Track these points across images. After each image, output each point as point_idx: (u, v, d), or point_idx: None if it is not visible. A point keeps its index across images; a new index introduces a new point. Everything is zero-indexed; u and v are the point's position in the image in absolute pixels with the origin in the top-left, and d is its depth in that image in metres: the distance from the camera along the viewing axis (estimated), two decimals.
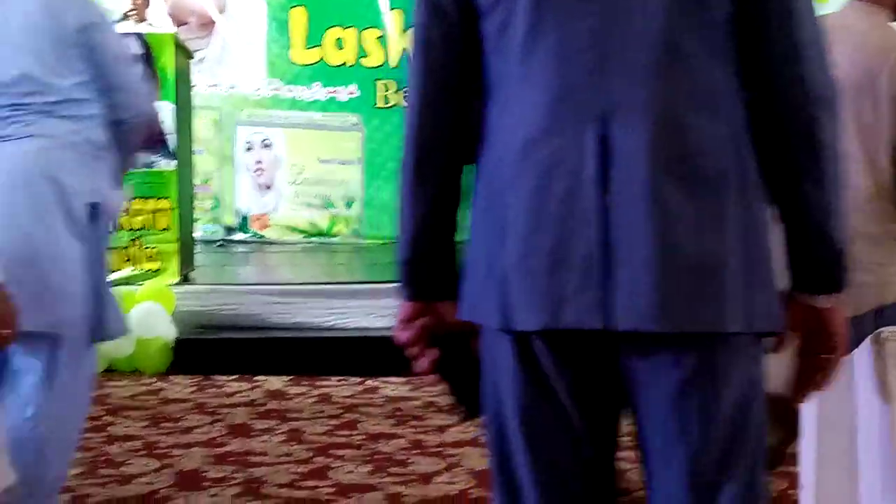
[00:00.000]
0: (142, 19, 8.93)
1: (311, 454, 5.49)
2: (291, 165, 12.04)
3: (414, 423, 6.17)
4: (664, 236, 1.88)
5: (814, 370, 2.07)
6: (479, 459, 4.99)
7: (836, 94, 1.98)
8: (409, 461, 5.33)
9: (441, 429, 5.97)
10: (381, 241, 10.00)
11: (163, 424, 6.23)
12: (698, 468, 1.95)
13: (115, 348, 7.50)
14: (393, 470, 5.23)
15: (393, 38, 10.78)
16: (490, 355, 2.10)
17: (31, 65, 3.66)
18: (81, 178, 3.71)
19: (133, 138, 3.93)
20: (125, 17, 8.93)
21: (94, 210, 3.73)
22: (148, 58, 8.20)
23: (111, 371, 7.54)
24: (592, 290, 1.90)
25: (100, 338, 3.90)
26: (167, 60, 8.24)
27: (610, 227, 1.90)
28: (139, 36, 8.31)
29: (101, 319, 3.84)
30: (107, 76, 3.76)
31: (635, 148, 1.90)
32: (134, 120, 3.86)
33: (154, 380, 7.40)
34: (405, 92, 10.83)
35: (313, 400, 6.81)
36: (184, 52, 8.48)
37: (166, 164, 8.28)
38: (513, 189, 1.99)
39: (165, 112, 8.23)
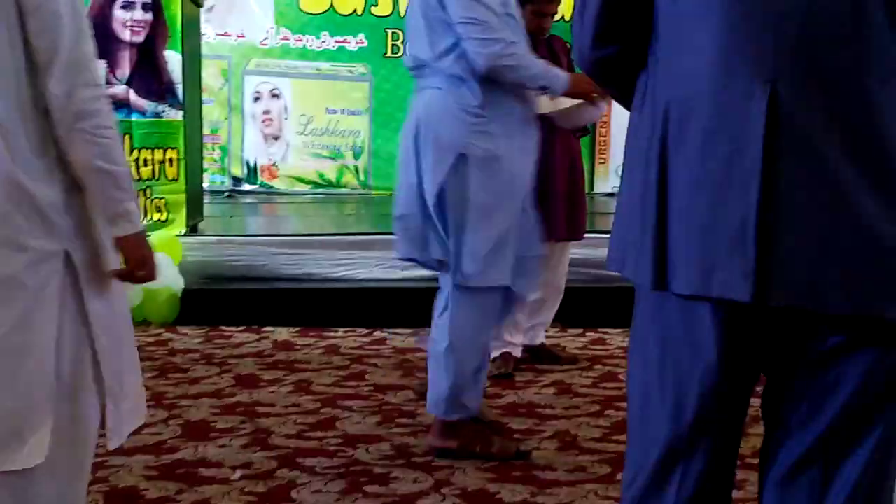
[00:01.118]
0: None
1: (318, 405, 5.52)
2: (300, 115, 12.06)
3: (422, 374, 6.17)
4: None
5: None
6: (487, 410, 5.00)
7: None
8: (417, 412, 5.35)
9: None
10: (388, 192, 9.99)
11: (171, 375, 6.26)
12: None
13: None
14: (401, 420, 5.26)
15: None
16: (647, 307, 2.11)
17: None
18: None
19: None
20: None
21: None
22: (157, 6, 8.19)
23: None
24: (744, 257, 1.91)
25: None
26: (176, 8, 8.23)
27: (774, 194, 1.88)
28: None
29: None
30: None
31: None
32: None
33: (162, 330, 7.44)
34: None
35: (321, 351, 6.85)
36: (193, 0, 8.45)
37: (174, 114, 8.29)
38: (677, 144, 1.99)
39: (174, 61, 8.23)
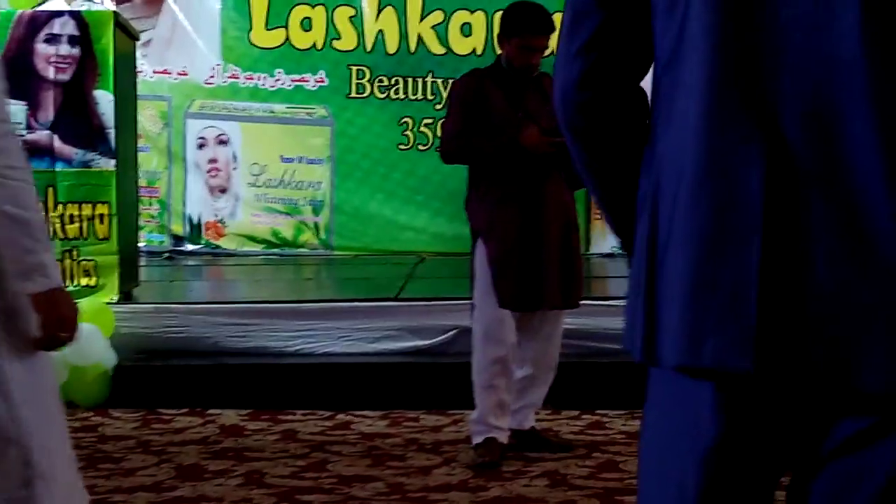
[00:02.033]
0: None
1: (273, 500, 5.49)
2: (251, 164, 12.07)
3: (393, 463, 6.17)
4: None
5: None
6: None
7: None
8: None
9: (424, 470, 5.98)
10: (353, 253, 10.02)
11: (101, 465, 6.22)
12: None
13: None
14: None
15: (369, 17, 10.81)
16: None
17: None
18: None
19: None
20: None
21: None
22: (85, 40, 8.21)
23: None
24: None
25: None
26: (107, 42, 8.26)
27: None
28: (74, 14, 8.33)
29: None
30: None
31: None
32: None
33: (90, 414, 7.38)
34: (380, 81, 10.89)
35: (275, 437, 6.80)
36: (127, 34, 8.48)
37: (105, 163, 8.28)
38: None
39: (105, 102, 8.24)
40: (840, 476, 1.98)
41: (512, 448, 6.22)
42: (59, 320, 3.02)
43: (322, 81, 10.91)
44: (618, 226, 2.25)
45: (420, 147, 10.55)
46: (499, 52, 6.27)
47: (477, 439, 6.17)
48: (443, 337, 7.58)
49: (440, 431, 6.87)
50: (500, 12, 6.33)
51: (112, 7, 9.45)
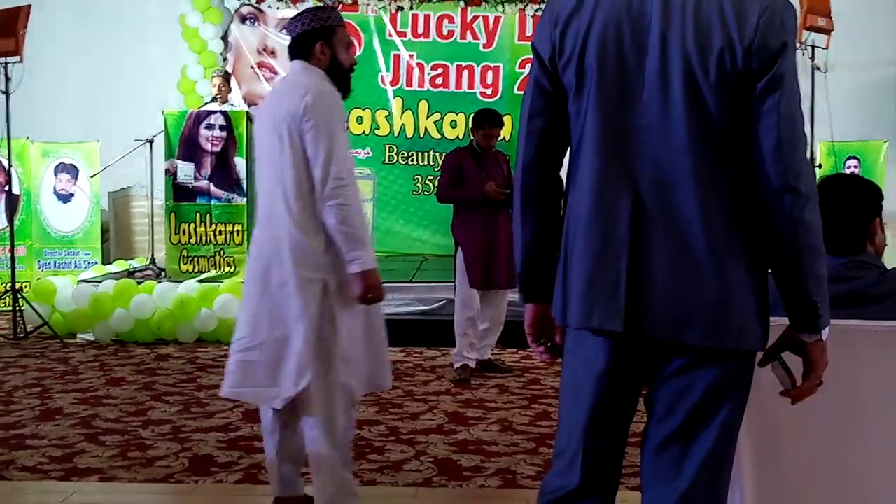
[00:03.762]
0: (224, 101, 8.89)
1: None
2: None
3: (406, 378, 6.14)
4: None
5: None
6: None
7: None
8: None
9: (426, 383, 5.94)
10: (385, 254, 9.99)
11: None
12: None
13: (202, 325, 7.51)
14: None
15: (396, 116, 10.78)
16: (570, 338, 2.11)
17: None
18: None
19: None
20: (213, 99, 8.89)
21: None
22: (230, 127, 8.21)
23: (200, 341, 7.54)
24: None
25: None
26: (242, 128, 8.24)
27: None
28: (224, 113, 8.32)
29: None
30: None
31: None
32: None
33: (229, 348, 7.34)
34: (402, 154, 10.85)
35: None
36: (252, 122, 8.49)
37: (240, 200, 8.27)
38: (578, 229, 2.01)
39: (240, 164, 8.23)
40: (674, 388, 2.00)
41: (476, 371, 6.25)
42: (369, 287, 3.22)
43: (368, 153, 10.79)
44: (522, 264, 2.15)
45: (426, 193, 10.49)
46: (471, 138, 6.27)
47: (456, 365, 6.18)
48: (437, 305, 7.53)
49: (435, 360, 6.86)
50: (472, 114, 6.32)
51: (245, 108, 9.45)
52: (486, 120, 6.15)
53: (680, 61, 1.89)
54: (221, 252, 8.24)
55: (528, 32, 10.42)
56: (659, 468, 2.04)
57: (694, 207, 1.90)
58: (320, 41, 3.32)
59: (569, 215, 2.05)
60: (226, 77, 9.16)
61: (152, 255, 8.95)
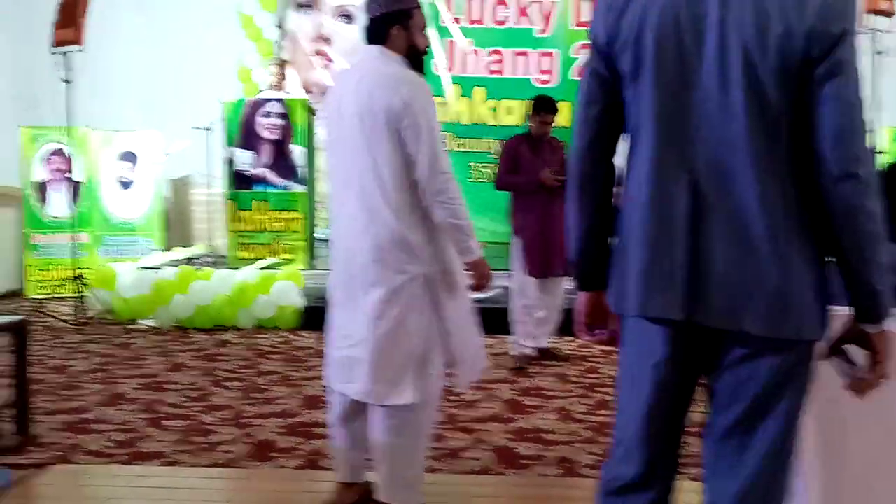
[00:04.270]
0: (281, 89, 8.96)
1: None
2: None
3: None
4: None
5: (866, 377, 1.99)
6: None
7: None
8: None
9: (485, 371, 5.97)
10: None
11: (295, 364, 6.29)
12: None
13: (261, 312, 7.59)
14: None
15: (451, 103, 10.78)
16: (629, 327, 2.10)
17: None
18: None
19: None
20: (270, 87, 8.96)
21: None
22: (287, 115, 8.28)
23: (259, 328, 7.63)
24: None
25: None
26: (299, 117, 8.32)
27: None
28: (280, 101, 8.38)
29: None
30: None
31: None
32: None
33: (288, 334, 7.47)
34: (459, 140, 10.85)
35: None
36: (310, 111, 8.54)
37: (297, 188, 8.35)
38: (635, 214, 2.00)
39: (298, 152, 8.30)
40: (735, 378, 1.99)
41: (534, 359, 6.25)
42: (479, 276, 3.30)
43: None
44: (575, 251, 2.16)
45: (481, 180, 10.49)
46: (527, 124, 6.26)
47: (514, 353, 6.19)
48: (493, 292, 7.54)
49: (492, 348, 6.83)
50: (528, 101, 6.30)
51: (302, 96, 9.51)
52: (542, 106, 6.13)
53: (738, 47, 1.88)
54: (279, 239, 8.33)
55: (584, 18, 10.34)
56: (720, 459, 2.03)
57: (753, 194, 1.88)
58: (398, 25, 3.27)
59: (625, 202, 2.04)
60: (282, 65, 9.22)
61: (211, 243, 9.06)
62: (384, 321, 3.21)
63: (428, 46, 3.40)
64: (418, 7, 3.34)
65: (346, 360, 3.31)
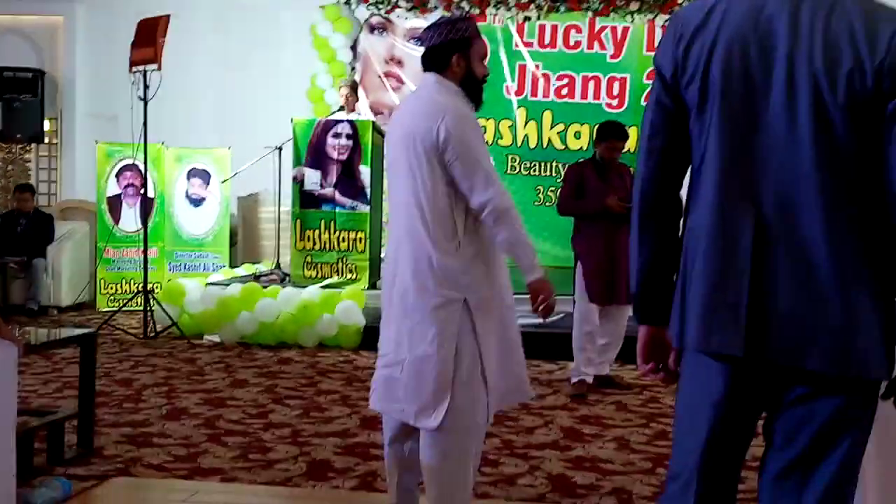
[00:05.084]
0: (351, 110, 9.06)
1: None
2: None
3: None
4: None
5: None
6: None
7: None
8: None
9: (541, 398, 5.92)
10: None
11: (355, 383, 6.31)
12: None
13: (324, 330, 7.65)
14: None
15: (520, 127, 10.80)
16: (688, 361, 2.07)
17: None
18: None
19: None
20: (340, 108, 9.06)
21: None
22: (356, 136, 8.36)
23: (322, 346, 7.68)
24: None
25: None
26: (368, 138, 8.39)
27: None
28: (350, 122, 8.47)
29: None
30: None
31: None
32: None
33: (349, 353, 7.49)
34: (524, 164, 10.85)
35: None
36: (379, 132, 8.62)
37: (363, 208, 8.41)
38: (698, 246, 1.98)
39: (365, 173, 8.37)
40: (795, 417, 1.95)
41: (594, 386, 6.19)
42: (538, 293, 3.23)
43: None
44: (638, 284, 2.13)
45: (547, 204, 10.48)
46: (595, 149, 6.23)
47: (574, 380, 6.14)
48: (556, 317, 7.50)
49: (552, 374, 6.83)
50: (597, 125, 6.29)
51: (371, 117, 9.60)
52: (611, 133, 6.10)
53: (807, 81, 1.85)
54: (344, 259, 8.39)
55: (657, 43, 10.29)
56: (778, 498, 1.99)
57: (819, 230, 1.85)
58: (457, 53, 3.28)
59: (688, 235, 2.02)
60: (353, 86, 9.33)
61: (278, 260, 9.17)
62: (421, 344, 3.21)
63: (486, 75, 3.40)
64: (479, 35, 3.35)
65: (388, 381, 3.33)
